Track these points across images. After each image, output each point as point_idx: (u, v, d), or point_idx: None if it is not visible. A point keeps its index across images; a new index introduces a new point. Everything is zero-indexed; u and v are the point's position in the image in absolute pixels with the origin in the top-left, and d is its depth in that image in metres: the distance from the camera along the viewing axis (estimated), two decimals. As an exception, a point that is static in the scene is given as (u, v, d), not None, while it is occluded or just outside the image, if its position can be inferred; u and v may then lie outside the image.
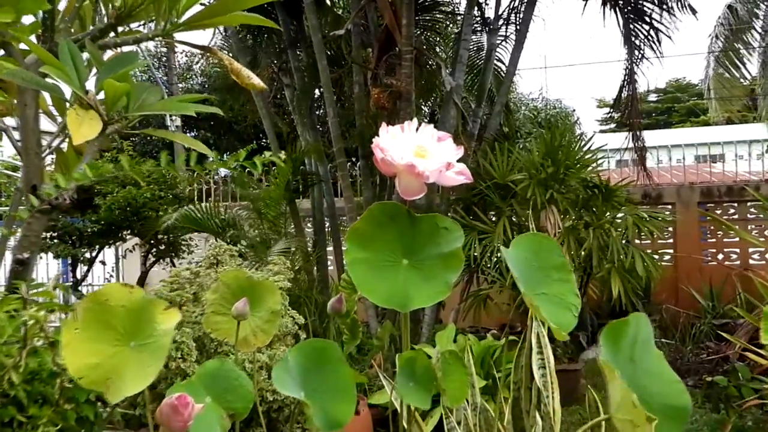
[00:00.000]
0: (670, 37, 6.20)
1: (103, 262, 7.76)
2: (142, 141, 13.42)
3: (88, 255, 7.18)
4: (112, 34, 1.87)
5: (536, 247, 1.36)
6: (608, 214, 4.63)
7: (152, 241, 7.25)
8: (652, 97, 31.11)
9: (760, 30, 10.50)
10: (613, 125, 29.30)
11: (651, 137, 9.68)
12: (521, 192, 4.58)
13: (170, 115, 13.72)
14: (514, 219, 5.06)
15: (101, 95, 1.57)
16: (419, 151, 1.14)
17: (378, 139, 1.14)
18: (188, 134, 15.67)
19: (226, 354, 2.85)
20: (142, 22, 1.99)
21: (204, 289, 2.96)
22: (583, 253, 4.36)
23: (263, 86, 2.05)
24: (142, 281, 7.46)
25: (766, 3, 10.32)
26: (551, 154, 4.63)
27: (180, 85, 15.20)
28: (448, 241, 1.25)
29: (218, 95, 8.95)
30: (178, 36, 2.00)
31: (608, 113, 29.61)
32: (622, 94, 6.72)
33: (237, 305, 1.37)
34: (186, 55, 16.09)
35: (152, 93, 1.75)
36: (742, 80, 11.14)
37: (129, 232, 7.14)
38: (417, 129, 1.19)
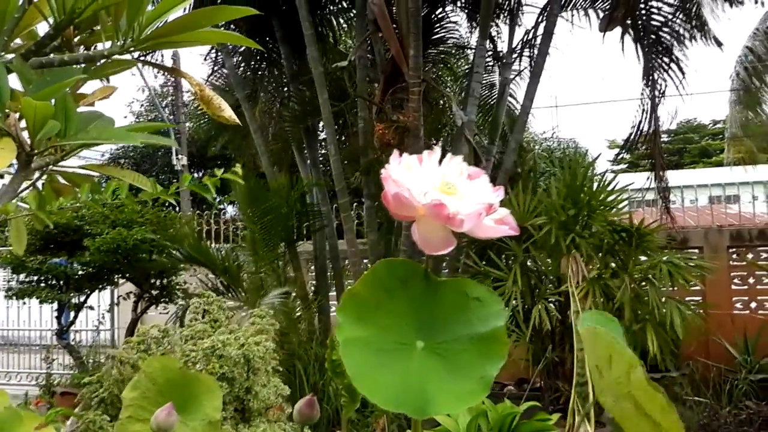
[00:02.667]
0: (683, 72, 5.94)
1: (91, 308, 7.39)
2: (144, 172, 13.19)
3: (76, 300, 6.82)
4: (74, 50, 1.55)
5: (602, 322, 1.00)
6: (643, 260, 4.24)
7: (144, 286, 6.90)
8: (663, 138, 30.95)
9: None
10: (625, 165, 29.08)
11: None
12: (541, 239, 4.21)
13: (176, 154, 13.54)
14: (530, 264, 4.69)
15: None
16: (446, 189, 0.78)
17: (389, 169, 0.79)
18: (195, 173, 15.44)
19: None
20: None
21: (174, 350, 2.59)
22: (612, 305, 3.96)
23: (235, 119, 1.72)
24: (132, 328, 7.07)
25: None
26: (573, 195, 4.27)
27: (188, 125, 15.06)
28: (483, 317, 0.88)
29: (227, 133, 8.73)
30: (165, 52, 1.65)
31: (619, 153, 29.41)
32: (640, 132, 6.43)
33: (157, 415, 0.97)
34: (193, 94, 16.01)
35: (105, 123, 1.42)
36: (759, 120, 10.88)
37: (120, 275, 6.81)
38: (440, 161, 0.84)
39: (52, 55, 1.57)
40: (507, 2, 5.95)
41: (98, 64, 1.59)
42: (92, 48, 1.65)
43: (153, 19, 1.55)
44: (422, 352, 0.87)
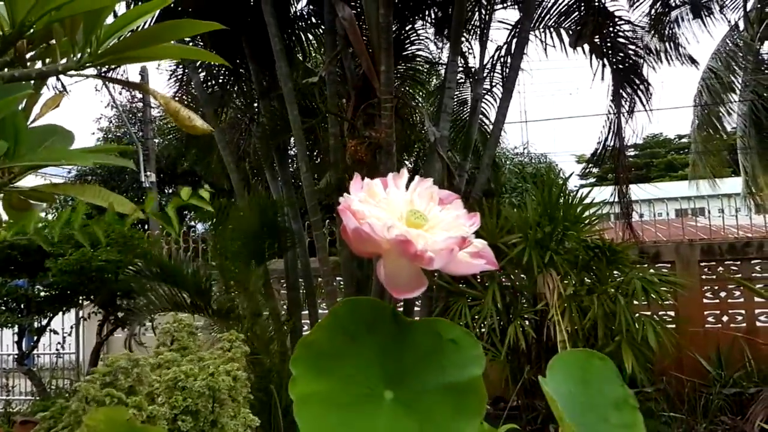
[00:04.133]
0: (648, 89, 5.97)
1: (54, 331, 7.10)
2: (112, 190, 12.91)
3: (38, 323, 6.55)
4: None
5: (583, 374, 0.88)
6: (617, 277, 4.19)
7: (110, 308, 6.65)
8: (630, 152, 31.46)
9: (739, 90, 10.49)
10: (593, 180, 29.42)
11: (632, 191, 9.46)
12: (516, 256, 4.13)
13: (145, 171, 13.26)
14: (504, 281, 4.61)
15: None
16: (414, 219, 0.67)
17: (347, 199, 0.68)
18: (165, 190, 15.17)
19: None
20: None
21: (143, 382, 2.43)
22: (587, 323, 3.89)
23: (207, 128, 1.60)
24: (97, 351, 6.81)
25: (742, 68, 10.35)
26: (549, 212, 4.21)
27: (156, 140, 14.80)
28: (458, 363, 0.76)
29: (196, 150, 8.54)
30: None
31: (587, 168, 29.76)
32: (606, 148, 6.45)
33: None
34: (161, 110, 15.77)
35: (62, 138, 1.28)
36: (720, 136, 11.09)
37: (84, 297, 6.56)
38: (407, 184, 0.73)
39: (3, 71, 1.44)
40: (477, 18, 5.93)
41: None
42: (47, 62, 1.52)
43: (112, 32, 1.41)
44: (391, 405, 0.76)
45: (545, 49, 5.92)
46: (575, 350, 0.89)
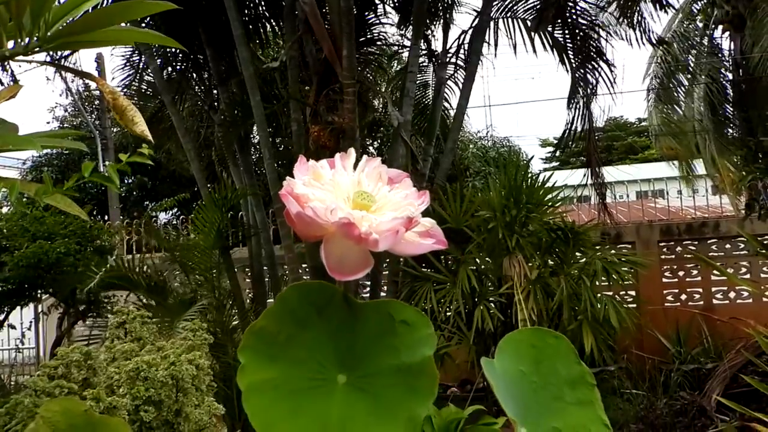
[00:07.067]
0: (612, 70, 6.04)
1: (12, 326, 6.92)
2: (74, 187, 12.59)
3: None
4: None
5: (536, 353, 0.88)
6: (580, 258, 4.26)
7: (70, 301, 6.50)
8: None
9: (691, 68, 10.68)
10: (556, 163, 29.80)
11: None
12: (481, 240, 4.16)
13: (104, 161, 12.93)
14: (472, 267, 4.63)
15: None
16: (360, 200, 0.66)
17: (289, 182, 0.66)
18: (126, 181, 14.84)
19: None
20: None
21: (97, 373, 2.37)
22: (553, 305, 3.95)
23: (147, 135, 1.56)
24: (57, 346, 6.66)
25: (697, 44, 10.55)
26: (514, 195, 4.24)
27: (115, 129, 14.45)
28: (410, 344, 0.76)
29: (156, 138, 8.37)
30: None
31: (554, 151, 30.12)
32: (574, 130, 6.51)
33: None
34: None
35: (5, 129, 1.23)
36: (677, 117, 11.28)
37: (43, 291, 6.39)
38: (356, 164, 0.72)
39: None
40: (440, 2, 5.91)
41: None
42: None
43: (61, 15, 1.36)
44: (344, 388, 0.75)
45: (509, 36, 5.93)
46: (527, 329, 0.89)
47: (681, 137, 11.47)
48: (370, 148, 7.12)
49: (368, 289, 5.34)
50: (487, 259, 4.74)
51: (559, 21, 5.84)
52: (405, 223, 0.62)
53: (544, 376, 0.86)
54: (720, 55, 10.36)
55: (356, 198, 0.66)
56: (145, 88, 6.03)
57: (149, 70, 5.72)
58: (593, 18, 6.09)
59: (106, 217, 11.49)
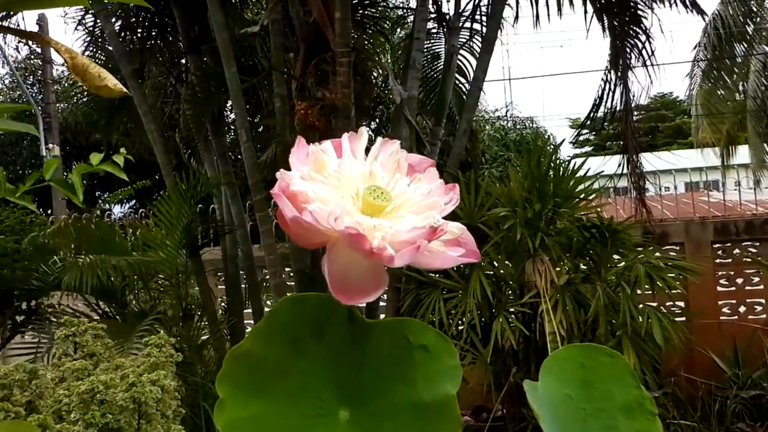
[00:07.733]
0: (649, 38, 6.01)
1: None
2: (6, 165, 12.62)
3: None
4: None
5: (586, 374, 0.87)
6: (618, 262, 4.26)
7: (6, 310, 6.50)
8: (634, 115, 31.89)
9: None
10: (590, 148, 29.84)
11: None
12: (501, 240, 4.15)
13: (46, 142, 12.95)
14: (489, 271, 4.64)
15: None
16: (373, 199, 0.63)
17: (284, 176, 0.63)
18: (73, 165, 14.89)
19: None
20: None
21: (44, 396, 2.37)
22: (584, 314, 3.95)
23: (121, 89, 1.55)
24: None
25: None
26: (537, 186, 4.24)
27: (61, 106, 14.46)
28: (430, 376, 0.74)
29: (105, 115, 8.37)
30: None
31: (578, 134, 30.11)
32: (607, 109, 6.50)
33: None
34: (66, 69, 15.38)
35: None
36: (729, 96, 11.25)
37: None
38: (367, 149, 0.69)
39: None
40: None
41: None
42: None
43: None
44: (347, 428, 0.73)
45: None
46: (575, 345, 0.87)
47: (733, 117, 11.44)
48: (369, 130, 7.12)
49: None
50: (506, 262, 4.74)
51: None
52: (428, 234, 0.59)
53: (594, 401, 0.84)
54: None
55: (367, 195, 0.63)
56: (103, 57, 6.02)
57: (106, 35, 5.70)
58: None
59: (49, 211, 11.48)
